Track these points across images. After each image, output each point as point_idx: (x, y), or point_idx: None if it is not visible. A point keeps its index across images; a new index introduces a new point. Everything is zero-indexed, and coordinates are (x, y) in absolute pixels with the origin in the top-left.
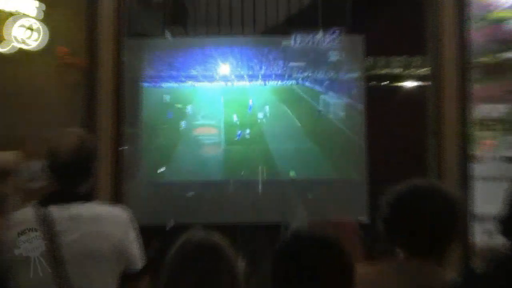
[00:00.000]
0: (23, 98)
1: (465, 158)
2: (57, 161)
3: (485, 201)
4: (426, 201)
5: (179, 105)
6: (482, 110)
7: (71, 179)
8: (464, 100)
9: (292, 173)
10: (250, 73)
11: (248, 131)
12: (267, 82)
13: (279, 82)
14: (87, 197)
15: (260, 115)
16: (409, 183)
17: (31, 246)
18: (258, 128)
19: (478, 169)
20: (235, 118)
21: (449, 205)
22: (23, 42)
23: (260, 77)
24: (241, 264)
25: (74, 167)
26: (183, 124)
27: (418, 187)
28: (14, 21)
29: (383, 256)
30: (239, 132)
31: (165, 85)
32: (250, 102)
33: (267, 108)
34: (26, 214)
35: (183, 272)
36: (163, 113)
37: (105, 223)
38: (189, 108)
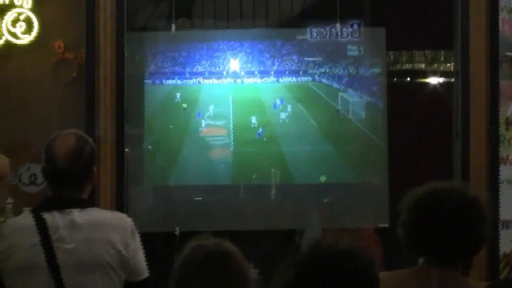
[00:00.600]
0: (16, 96)
1: (492, 159)
2: (53, 165)
3: None
4: (449, 205)
5: (185, 104)
6: (510, 108)
7: (68, 184)
8: (492, 98)
9: (323, 178)
10: (262, 68)
11: (260, 131)
12: (280, 79)
13: (293, 79)
14: (87, 203)
15: (282, 115)
16: (431, 185)
17: (31, 253)
18: (279, 128)
19: (505, 171)
20: (253, 118)
21: (474, 209)
22: (15, 36)
23: (272, 73)
24: (253, 272)
25: (72, 172)
26: (190, 124)
27: (440, 190)
28: (4, 13)
29: (404, 263)
30: (260, 130)
31: (170, 82)
32: (278, 101)
33: (289, 107)
34: (24, 220)
35: (192, 281)
36: (168, 112)
37: (106, 230)
38: (196, 107)
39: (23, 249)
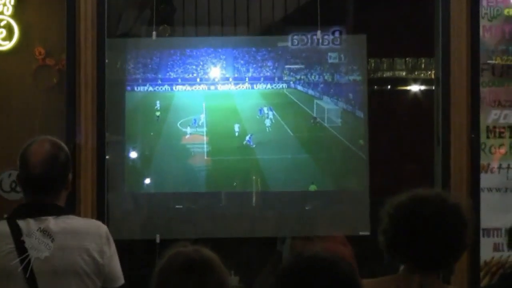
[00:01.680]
0: None
1: (474, 167)
2: (28, 172)
3: (494, 213)
4: (429, 212)
5: (158, 113)
6: (491, 116)
7: (43, 191)
8: (473, 105)
9: (312, 187)
10: (236, 75)
11: (249, 137)
12: (255, 86)
13: (268, 86)
14: (62, 210)
15: (267, 122)
16: (412, 192)
17: (6, 260)
18: (262, 136)
19: (486, 179)
20: (236, 126)
21: (455, 215)
22: None
23: (247, 80)
24: (233, 279)
25: (47, 179)
26: (169, 130)
27: (421, 197)
28: None
29: (383, 270)
30: (249, 136)
31: (151, 89)
32: (265, 109)
33: (270, 114)
34: (0, 227)
35: None
36: (149, 119)
37: (81, 237)
38: (174, 114)
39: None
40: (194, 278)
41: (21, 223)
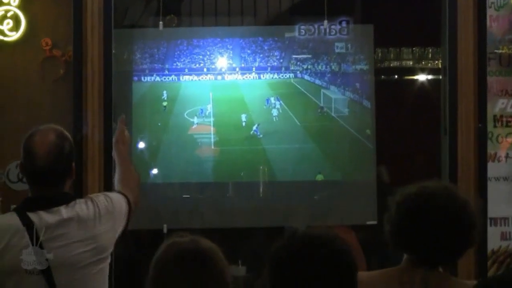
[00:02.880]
0: (3, 93)
1: (481, 157)
2: (33, 163)
3: (501, 202)
4: (439, 207)
5: (165, 103)
6: (498, 105)
7: (50, 182)
8: (480, 95)
9: (319, 177)
10: (243, 65)
11: (255, 127)
12: (261, 76)
13: (275, 76)
14: (71, 197)
15: (274, 112)
16: (423, 184)
17: (22, 254)
18: (270, 126)
19: (493, 168)
20: (243, 116)
21: (463, 214)
22: (3, 33)
23: (253, 70)
24: (241, 269)
25: (53, 170)
26: (176, 121)
27: (432, 191)
28: None
29: (387, 262)
30: (256, 126)
31: (157, 79)
32: (272, 99)
33: (277, 104)
34: (10, 221)
35: (167, 281)
36: (156, 110)
37: (92, 223)
38: (181, 105)
39: (13, 251)
40: (190, 269)
41: (33, 216)
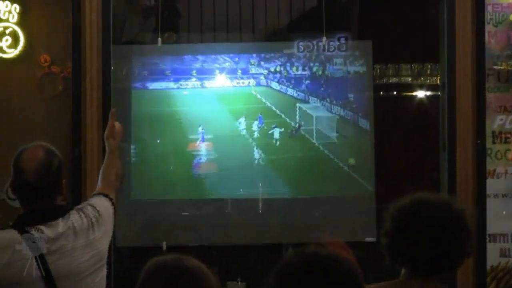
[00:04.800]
0: (2, 109)
1: (480, 173)
2: (23, 179)
3: (500, 218)
4: (433, 217)
5: (170, 118)
6: (497, 121)
7: (39, 198)
8: (478, 111)
9: (351, 161)
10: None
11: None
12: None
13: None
14: (67, 209)
15: (275, 134)
16: (416, 196)
17: (25, 268)
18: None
19: (492, 184)
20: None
21: (458, 222)
22: (1, 50)
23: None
24: (240, 286)
25: (42, 186)
26: (175, 138)
27: (425, 201)
28: None
29: (385, 275)
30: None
31: (156, 95)
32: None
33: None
34: (10, 236)
35: None
36: (154, 126)
37: (87, 232)
38: (180, 122)
39: (16, 265)
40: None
41: (33, 230)
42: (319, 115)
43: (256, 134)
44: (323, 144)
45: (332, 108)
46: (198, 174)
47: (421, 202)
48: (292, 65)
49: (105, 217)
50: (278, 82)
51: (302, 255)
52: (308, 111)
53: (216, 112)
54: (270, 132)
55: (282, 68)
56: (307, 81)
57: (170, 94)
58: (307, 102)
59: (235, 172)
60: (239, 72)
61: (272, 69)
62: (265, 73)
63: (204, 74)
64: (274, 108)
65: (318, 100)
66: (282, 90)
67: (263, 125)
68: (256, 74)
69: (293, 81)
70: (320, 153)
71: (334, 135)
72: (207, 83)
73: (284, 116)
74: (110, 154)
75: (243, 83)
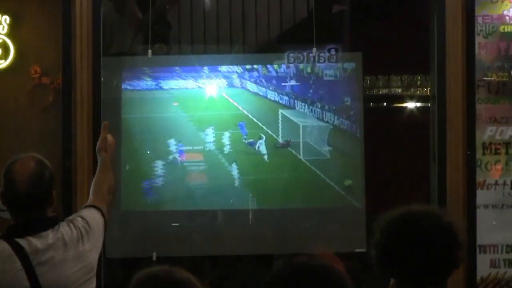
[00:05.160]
0: None
1: (470, 184)
2: (14, 191)
3: (490, 229)
4: (421, 228)
5: (160, 129)
6: (487, 133)
7: (30, 209)
8: (469, 122)
9: (347, 181)
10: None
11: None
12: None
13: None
14: (57, 221)
15: (262, 149)
16: (406, 207)
17: (15, 279)
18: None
19: (482, 195)
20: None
21: (446, 233)
22: None
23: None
24: None
25: (33, 197)
26: (165, 148)
27: (414, 213)
28: None
29: (376, 286)
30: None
31: (146, 107)
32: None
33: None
34: (1, 247)
35: None
36: (145, 137)
37: (76, 244)
38: (170, 132)
39: (6, 277)
40: None
41: (22, 241)
42: (330, 124)
43: (229, 148)
44: (312, 161)
45: (324, 115)
46: (189, 185)
47: (409, 214)
48: (311, 93)
49: (95, 229)
50: (255, 83)
51: (291, 265)
52: (294, 119)
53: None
54: (252, 145)
55: (260, 66)
56: (292, 82)
57: (159, 101)
58: (291, 108)
59: (226, 182)
60: (206, 70)
61: (248, 67)
62: (239, 71)
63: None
64: (250, 116)
65: (329, 115)
66: (261, 93)
67: (246, 134)
68: (228, 72)
69: (274, 82)
70: (310, 172)
71: (326, 149)
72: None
73: (262, 126)
74: (102, 166)
75: (210, 83)
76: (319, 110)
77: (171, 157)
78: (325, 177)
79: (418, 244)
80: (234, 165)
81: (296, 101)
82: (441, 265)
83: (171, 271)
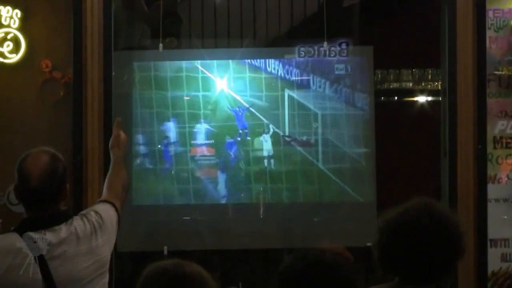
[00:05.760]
0: (3, 115)
1: (480, 178)
2: (28, 185)
3: (501, 223)
4: (416, 223)
5: (171, 121)
6: (498, 127)
7: (45, 203)
8: (479, 116)
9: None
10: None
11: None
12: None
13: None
14: (70, 215)
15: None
16: (400, 207)
17: (27, 273)
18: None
19: (493, 189)
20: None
21: (441, 223)
22: (3, 55)
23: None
24: None
25: (47, 191)
26: (178, 143)
27: (407, 210)
28: None
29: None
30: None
31: (157, 100)
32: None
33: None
34: (11, 241)
35: None
36: (156, 131)
37: (90, 239)
38: (182, 126)
39: (17, 270)
40: None
41: (35, 235)
42: (341, 119)
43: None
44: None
45: (349, 114)
46: (200, 179)
47: (406, 213)
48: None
49: (108, 224)
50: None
51: (304, 259)
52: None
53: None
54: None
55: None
56: (333, 97)
57: (172, 100)
58: (332, 110)
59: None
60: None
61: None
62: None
63: None
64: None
65: (340, 109)
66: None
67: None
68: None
69: (324, 97)
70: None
71: (350, 132)
72: None
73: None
74: (115, 164)
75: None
76: (346, 111)
77: (180, 150)
78: (348, 146)
79: (416, 242)
80: (244, 159)
81: (334, 106)
82: (440, 259)
83: (181, 264)
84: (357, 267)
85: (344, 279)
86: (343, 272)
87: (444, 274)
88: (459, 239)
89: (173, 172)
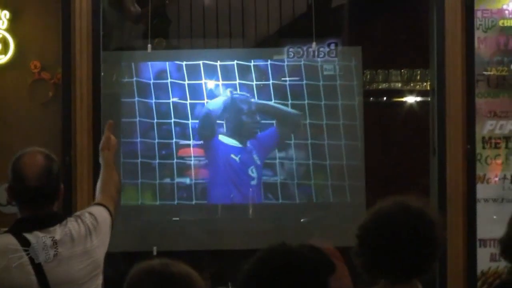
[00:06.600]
0: None
1: (470, 178)
2: (24, 185)
3: (490, 223)
4: (392, 224)
5: (161, 123)
6: (487, 127)
7: (40, 203)
8: (468, 116)
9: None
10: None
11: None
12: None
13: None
14: (64, 216)
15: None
16: (373, 209)
17: (21, 275)
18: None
19: (482, 189)
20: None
21: (418, 219)
22: None
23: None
24: None
25: (43, 191)
26: (166, 143)
27: (380, 214)
28: None
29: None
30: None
31: (147, 100)
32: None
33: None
34: (5, 242)
35: None
36: (145, 131)
37: (84, 240)
38: (171, 127)
39: (12, 272)
40: None
41: (29, 236)
42: (330, 119)
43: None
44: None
45: (338, 114)
46: (189, 179)
47: (379, 214)
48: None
49: (102, 226)
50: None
51: (273, 247)
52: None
53: None
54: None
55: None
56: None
57: (161, 100)
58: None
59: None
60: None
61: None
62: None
63: None
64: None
65: (328, 109)
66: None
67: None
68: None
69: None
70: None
71: (339, 132)
72: None
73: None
74: (107, 166)
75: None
76: (334, 111)
77: (169, 150)
78: (338, 145)
79: (390, 244)
80: (234, 159)
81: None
82: (419, 257)
83: (168, 264)
84: (328, 261)
85: (309, 268)
86: (308, 262)
87: (428, 267)
88: (435, 229)
89: (162, 172)
